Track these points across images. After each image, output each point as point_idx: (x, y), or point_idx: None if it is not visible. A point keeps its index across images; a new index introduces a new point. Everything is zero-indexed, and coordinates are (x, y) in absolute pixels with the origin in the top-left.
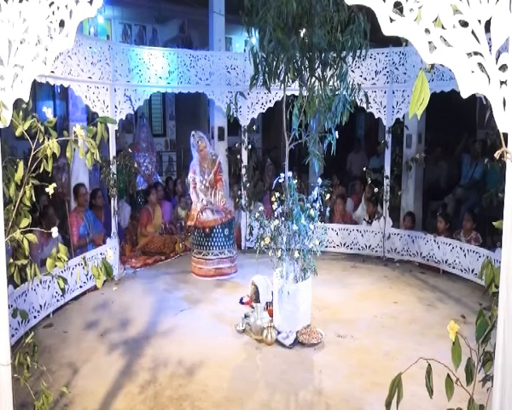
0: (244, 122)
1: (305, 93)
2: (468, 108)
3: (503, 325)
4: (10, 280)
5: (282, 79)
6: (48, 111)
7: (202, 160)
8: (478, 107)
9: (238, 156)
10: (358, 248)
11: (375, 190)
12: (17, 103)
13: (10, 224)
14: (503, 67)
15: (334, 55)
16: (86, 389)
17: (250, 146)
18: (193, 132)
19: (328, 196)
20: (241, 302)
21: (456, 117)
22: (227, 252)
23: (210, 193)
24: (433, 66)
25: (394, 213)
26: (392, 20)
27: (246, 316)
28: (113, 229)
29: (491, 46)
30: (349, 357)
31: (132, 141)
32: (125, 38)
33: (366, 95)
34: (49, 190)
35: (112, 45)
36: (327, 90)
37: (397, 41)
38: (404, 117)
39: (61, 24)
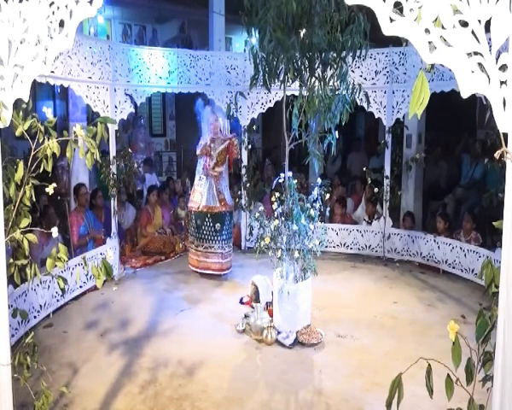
0: (244, 122)
1: (305, 93)
2: (468, 108)
3: (503, 324)
4: (10, 280)
5: (282, 79)
6: (48, 111)
7: (214, 134)
8: (478, 107)
9: (238, 156)
10: (358, 248)
11: (375, 190)
12: (17, 103)
13: (10, 224)
14: (503, 67)
15: (334, 55)
16: (86, 389)
17: (250, 146)
18: (209, 106)
19: (327, 196)
20: (241, 302)
21: (456, 117)
22: (217, 247)
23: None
24: (433, 66)
25: (394, 213)
26: (392, 20)
27: (246, 316)
28: (113, 229)
29: (491, 46)
30: (349, 357)
31: (127, 140)
32: (125, 38)
33: (366, 95)
34: (49, 190)
35: (112, 45)
36: (327, 90)
37: (397, 41)
38: (404, 117)
39: (61, 24)
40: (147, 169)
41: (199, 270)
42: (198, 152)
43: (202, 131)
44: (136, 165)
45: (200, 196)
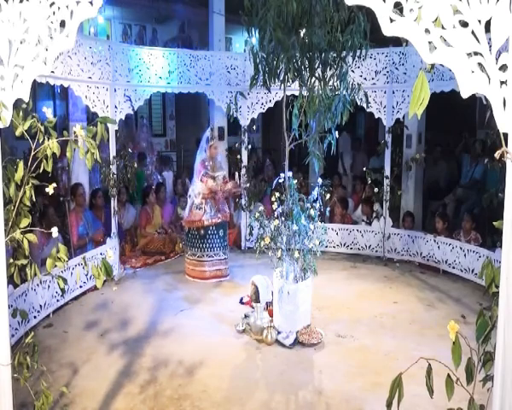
0: (244, 122)
1: (305, 93)
2: (468, 108)
3: (504, 324)
4: (10, 280)
5: (282, 79)
6: (48, 111)
7: (209, 159)
8: (478, 107)
9: (238, 156)
10: (358, 248)
11: (376, 190)
12: (17, 103)
13: (10, 224)
14: (503, 67)
15: (334, 55)
16: (86, 389)
17: (250, 146)
18: (211, 127)
19: (328, 196)
20: (241, 302)
21: (456, 117)
22: (222, 254)
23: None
24: (433, 66)
25: (394, 213)
26: (392, 21)
27: (246, 316)
28: (113, 229)
29: (491, 46)
30: (349, 357)
31: (125, 137)
32: (125, 38)
33: (366, 94)
34: (49, 190)
35: (112, 45)
36: (327, 90)
37: (397, 41)
38: (404, 117)
39: (62, 24)
40: (163, 167)
41: (206, 281)
42: (206, 191)
43: (201, 158)
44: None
45: (200, 214)
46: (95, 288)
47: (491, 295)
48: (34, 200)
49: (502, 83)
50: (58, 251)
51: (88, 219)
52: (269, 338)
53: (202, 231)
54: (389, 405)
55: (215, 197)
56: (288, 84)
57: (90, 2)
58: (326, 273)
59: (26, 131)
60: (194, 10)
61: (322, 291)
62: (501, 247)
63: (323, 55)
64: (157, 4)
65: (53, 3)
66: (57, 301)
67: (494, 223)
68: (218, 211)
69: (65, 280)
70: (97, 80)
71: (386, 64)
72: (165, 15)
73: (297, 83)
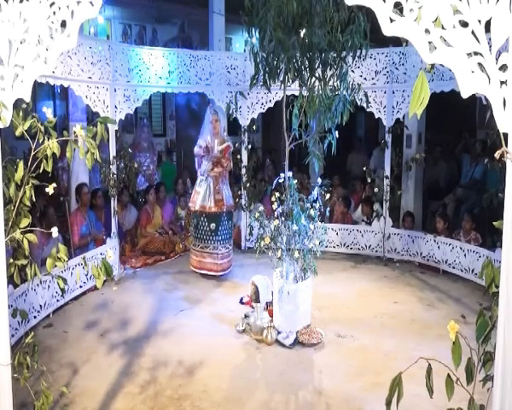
0: (244, 122)
1: (305, 93)
2: (468, 108)
3: (504, 324)
4: (10, 280)
5: (282, 78)
6: (48, 111)
7: (213, 134)
8: (478, 107)
9: (238, 156)
10: (358, 248)
11: (376, 189)
12: (17, 103)
13: (10, 224)
14: (503, 67)
15: (334, 55)
16: (86, 389)
17: (250, 146)
18: (210, 104)
19: (328, 195)
20: (241, 302)
21: (456, 117)
22: (211, 248)
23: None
24: (433, 66)
25: (394, 213)
26: (392, 21)
27: (246, 316)
28: (113, 229)
29: (491, 46)
30: (349, 357)
31: (133, 141)
32: (125, 38)
33: (366, 94)
34: (49, 190)
35: (112, 45)
36: (327, 90)
37: (397, 41)
38: (404, 117)
39: (63, 24)
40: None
41: (197, 270)
42: (196, 151)
43: (201, 132)
44: (137, 164)
45: (198, 196)
46: (95, 288)
47: (491, 295)
48: (34, 200)
49: (502, 83)
50: (58, 251)
51: (91, 218)
52: (269, 338)
53: (195, 221)
54: (388, 403)
55: (216, 176)
56: (288, 84)
57: (91, 3)
58: (326, 273)
59: (26, 131)
60: (194, 10)
61: (322, 291)
62: (501, 247)
63: (323, 55)
64: (157, 4)
65: (53, 3)
66: (57, 301)
67: (494, 223)
68: (214, 195)
69: (65, 280)
70: (97, 80)
71: (386, 64)
72: (165, 15)
73: (297, 83)
